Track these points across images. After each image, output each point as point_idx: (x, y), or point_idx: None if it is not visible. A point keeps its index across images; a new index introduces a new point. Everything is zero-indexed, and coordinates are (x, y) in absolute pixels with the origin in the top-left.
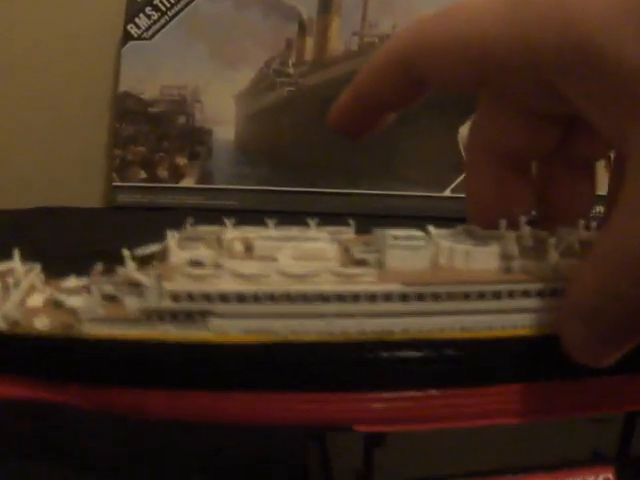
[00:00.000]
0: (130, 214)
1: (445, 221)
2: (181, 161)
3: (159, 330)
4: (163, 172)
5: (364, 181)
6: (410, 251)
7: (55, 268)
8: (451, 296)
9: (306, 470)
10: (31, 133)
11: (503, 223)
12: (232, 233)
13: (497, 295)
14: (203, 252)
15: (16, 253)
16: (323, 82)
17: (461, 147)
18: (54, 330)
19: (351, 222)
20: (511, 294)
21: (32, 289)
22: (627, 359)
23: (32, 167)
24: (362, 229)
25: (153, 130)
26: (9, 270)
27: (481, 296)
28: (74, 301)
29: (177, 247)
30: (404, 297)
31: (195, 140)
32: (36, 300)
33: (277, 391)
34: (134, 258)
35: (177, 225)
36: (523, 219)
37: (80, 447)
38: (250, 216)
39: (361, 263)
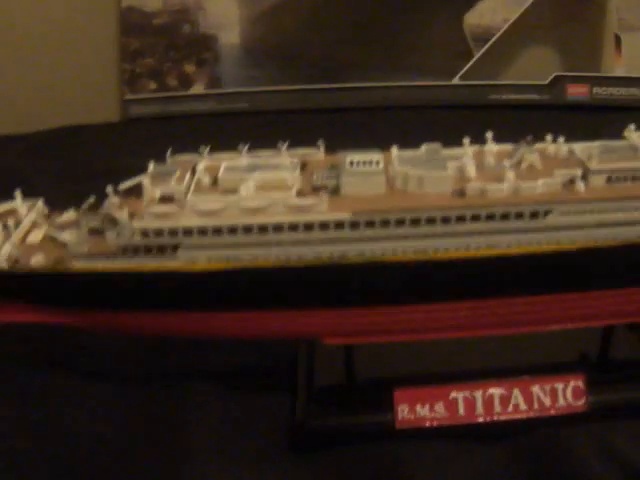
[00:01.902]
0: (144, 125)
1: (456, 109)
2: (189, 69)
3: (133, 262)
4: (173, 81)
5: (372, 74)
6: (364, 177)
7: (72, 191)
8: (401, 222)
9: (296, 370)
10: (40, 56)
11: (466, 141)
12: (204, 164)
13: (446, 220)
14: (173, 187)
15: (18, 195)
16: None
17: (467, 34)
18: (47, 266)
19: (320, 144)
20: (461, 218)
21: (34, 225)
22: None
23: (45, 90)
24: (370, 123)
25: (159, 41)
26: (12, 210)
27: (430, 221)
28: (65, 236)
29: (151, 183)
30: (354, 225)
31: (202, 47)
32: (36, 236)
33: (243, 310)
34: (118, 192)
35: (189, 133)
36: (489, 134)
37: (84, 363)
38: (261, 117)
39: (319, 190)
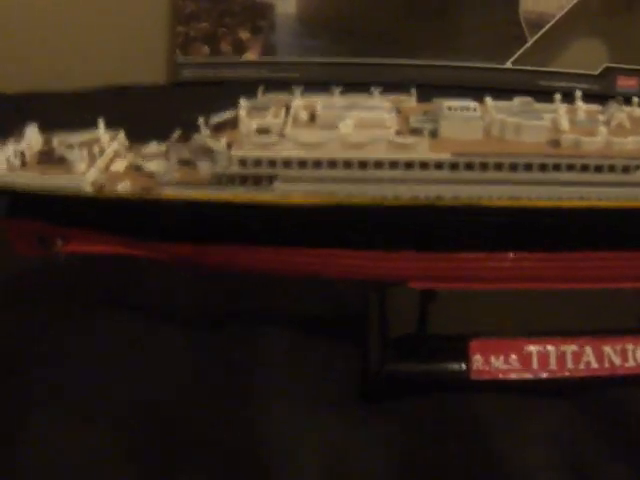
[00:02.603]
0: (194, 90)
1: (506, 93)
2: (244, 35)
3: (228, 191)
4: (226, 47)
5: (425, 52)
6: (463, 122)
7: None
8: (498, 167)
9: (368, 319)
10: (95, 15)
11: (558, 96)
12: (299, 101)
13: (543, 167)
14: (270, 120)
15: (101, 123)
16: None
17: (522, 20)
18: (136, 192)
19: (413, 91)
20: (557, 167)
21: (116, 155)
22: None
23: (97, 48)
24: (423, 100)
25: (215, 6)
26: (95, 139)
27: (528, 168)
28: (153, 165)
29: (247, 116)
30: (454, 166)
31: (257, 14)
32: (119, 165)
33: (334, 248)
34: (209, 125)
35: (240, 99)
36: (578, 93)
37: (154, 299)
38: (312, 88)
39: (417, 132)
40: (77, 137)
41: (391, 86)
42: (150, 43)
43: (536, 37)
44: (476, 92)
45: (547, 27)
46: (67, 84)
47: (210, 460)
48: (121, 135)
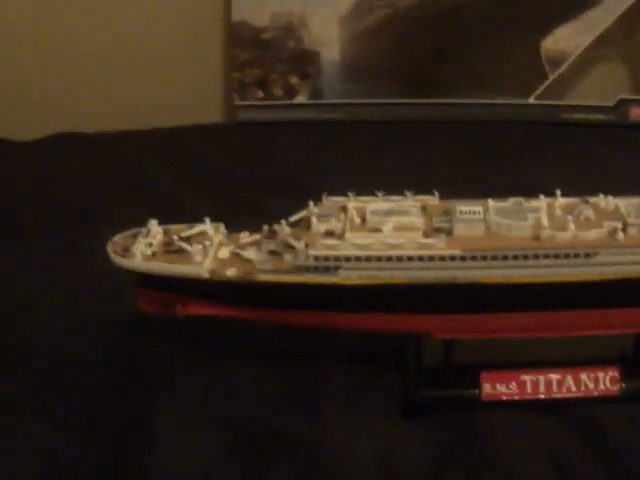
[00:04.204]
0: (252, 129)
1: (531, 125)
2: (294, 80)
3: (307, 277)
4: (278, 91)
5: (457, 92)
6: (471, 223)
7: (203, 192)
8: (494, 257)
9: (404, 359)
10: (157, 67)
11: (542, 197)
12: (353, 205)
13: (526, 257)
14: (333, 224)
15: (207, 220)
16: (417, 2)
17: (543, 58)
18: (240, 276)
19: (436, 194)
20: (536, 256)
21: (220, 244)
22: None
23: (160, 94)
24: (456, 136)
25: (267, 54)
26: (203, 231)
27: (515, 257)
28: (250, 254)
29: (316, 220)
30: (463, 258)
31: (305, 61)
32: (224, 253)
33: (379, 312)
34: (289, 222)
35: (292, 138)
36: (558, 192)
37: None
38: (355, 126)
39: (438, 230)
40: (190, 230)
41: (426, 123)
42: (209, 89)
43: (556, 74)
44: (504, 126)
45: (565, 65)
46: (134, 126)
47: (294, 459)
48: (222, 227)
